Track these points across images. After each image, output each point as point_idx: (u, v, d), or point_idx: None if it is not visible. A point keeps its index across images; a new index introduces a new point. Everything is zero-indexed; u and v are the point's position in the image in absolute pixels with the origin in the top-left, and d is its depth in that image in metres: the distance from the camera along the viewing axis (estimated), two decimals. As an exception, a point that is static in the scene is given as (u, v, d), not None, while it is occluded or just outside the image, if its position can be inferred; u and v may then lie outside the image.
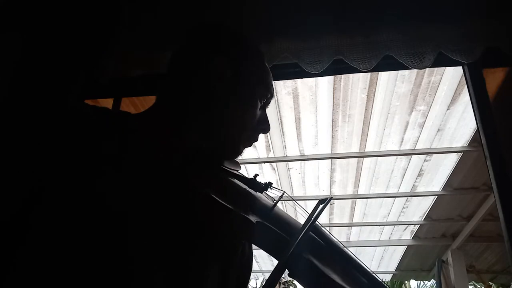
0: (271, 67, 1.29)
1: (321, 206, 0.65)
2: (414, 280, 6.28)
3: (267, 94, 0.73)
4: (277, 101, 2.48)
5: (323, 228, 0.66)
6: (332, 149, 2.94)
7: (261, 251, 0.60)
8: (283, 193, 0.71)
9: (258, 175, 0.71)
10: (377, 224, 4.29)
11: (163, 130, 0.67)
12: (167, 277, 0.53)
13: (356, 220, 4.21)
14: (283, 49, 1.29)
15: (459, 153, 2.90)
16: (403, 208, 3.92)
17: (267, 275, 7.30)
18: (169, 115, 0.68)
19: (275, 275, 0.53)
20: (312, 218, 0.61)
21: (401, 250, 5.03)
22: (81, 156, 0.56)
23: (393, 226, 4.36)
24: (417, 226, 4.32)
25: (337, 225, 4.30)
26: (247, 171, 3.10)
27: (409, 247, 4.85)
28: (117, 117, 0.67)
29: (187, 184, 0.60)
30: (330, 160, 3.08)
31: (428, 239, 4.58)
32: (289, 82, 2.33)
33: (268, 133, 2.76)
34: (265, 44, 1.30)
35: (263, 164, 3.20)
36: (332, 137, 2.79)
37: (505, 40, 1.19)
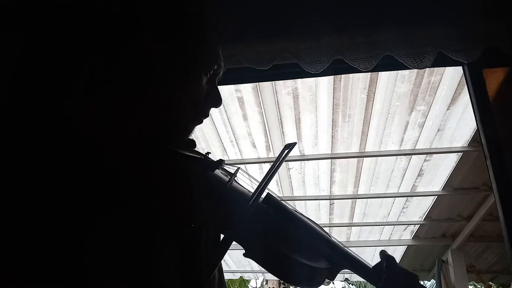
0: (271, 67, 1.31)
1: (286, 151, 0.64)
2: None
3: (213, 66, 0.67)
4: (277, 101, 2.48)
5: (281, 199, 0.63)
6: (332, 149, 2.94)
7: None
8: (238, 169, 0.68)
9: (210, 153, 0.67)
10: (377, 224, 4.29)
11: (105, 124, 0.62)
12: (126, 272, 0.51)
13: (356, 220, 4.21)
14: (283, 49, 1.29)
15: (459, 153, 2.90)
16: (403, 208, 3.92)
17: (267, 275, 7.29)
18: (108, 105, 0.62)
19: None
20: (279, 161, 0.61)
21: (401, 250, 5.03)
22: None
23: (393, 226, 4.36)
24: (417, 226, 4.32)
25: (337, 225, 4.30)
26: (247, 170, 3.09)
27: (409, 247, 4.84)
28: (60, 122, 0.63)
29: (137, 175, 0.58)
30: (330, 160, 3.08)
31: (428, 239, 4.58)
32: (289, 82, 2.33)
33: (268, 133, 2.79)
34: (265, 44, 1.30)
35: (263, 164, 3.20)
36: (332, 137, 2.79)
37: (505, 40, 1.19)
